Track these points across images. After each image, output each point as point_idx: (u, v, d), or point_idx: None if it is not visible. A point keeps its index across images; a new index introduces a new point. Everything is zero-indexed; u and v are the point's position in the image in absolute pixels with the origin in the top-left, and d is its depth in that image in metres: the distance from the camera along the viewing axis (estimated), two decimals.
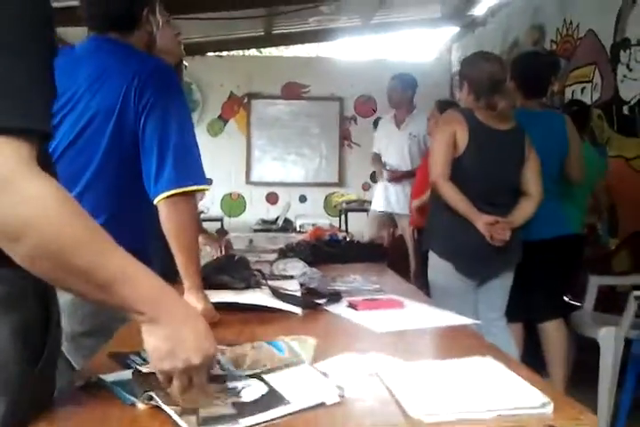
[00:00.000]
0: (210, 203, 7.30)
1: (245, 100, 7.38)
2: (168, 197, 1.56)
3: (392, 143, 5.08)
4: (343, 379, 1.09)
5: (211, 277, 1.80)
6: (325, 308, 1.79)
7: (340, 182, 7.50)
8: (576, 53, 4.58)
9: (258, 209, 7.31)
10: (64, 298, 1.07)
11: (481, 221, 2.62)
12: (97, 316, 1.61)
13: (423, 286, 4.09)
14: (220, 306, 1.64)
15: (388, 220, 5.14)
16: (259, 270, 1.90)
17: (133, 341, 1.07)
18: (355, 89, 7.30)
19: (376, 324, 1.57)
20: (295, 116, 7.41)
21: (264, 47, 7.85)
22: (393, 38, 8.18)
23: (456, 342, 1.48)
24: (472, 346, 1.40)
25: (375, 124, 7.33)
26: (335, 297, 1.84)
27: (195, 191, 1.60)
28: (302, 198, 7.47)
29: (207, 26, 6.37)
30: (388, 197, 5.07)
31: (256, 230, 6.18)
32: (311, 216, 7.17)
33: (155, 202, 1.58)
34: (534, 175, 2.77)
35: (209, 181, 6.14)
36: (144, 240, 1.72)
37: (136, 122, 1.59)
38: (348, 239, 3.32)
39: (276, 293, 1.75)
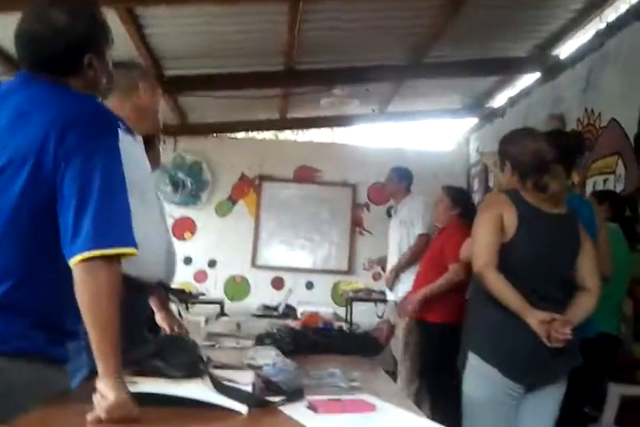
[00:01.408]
0: (212, 285, 7.03)
1: (257, 182, 7.24)
2: (85, 259, 1.28)
3: (391, 231, 5.06)
4: None
5: (144, 362, 1.48)
6: (281, 407, 1.45)
7: (350, 271, 7.18)
8: (598, 143, 4.36)
9: (262, 294, 6.98)
10: None
11: (535, 319, 2.21)
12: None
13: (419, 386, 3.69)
14: (145, 398, 1.32)
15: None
16: (200, 357, 1.58)
17: None
18: (369, 176, 7.12)
19: None
20: (306, 201, 7.22)
21: (279, 130, 7.80)
22: (410, 126, 8.08)
23: None
24: None
25: (388, 212, 7.15)
26: (295, 395, 1.50)
27: (119, 255, 1.31)
28: (309, 285, 7.15)
29: (222, 107, 6.34)
30: None
31: (256, 316, 5.87)
32: (316, 304, 6.80)
33: (70, 265, 1.29)
34: (591, 267, 2.39)
35: (212, 263, 5.99)
36: (62, 310, 1.42)
37: (54, 171, 1.32)
38: (339, 329, 3.00)
39: (219, 385, 1.42)
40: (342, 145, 7.77)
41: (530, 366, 2.29)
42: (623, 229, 3.27)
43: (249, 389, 1.49)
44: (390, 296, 4.88)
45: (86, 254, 1.27)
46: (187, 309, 5.89)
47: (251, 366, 1.88)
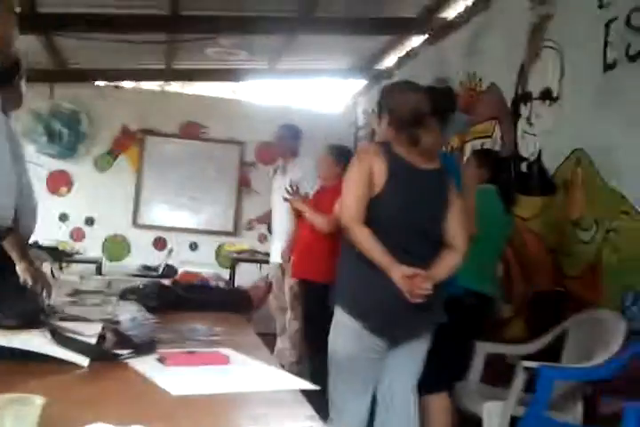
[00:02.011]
0: (90, 244, 6.71)
1: (139, 136, 6.90)
2: None
3: (276, 190, 4.88)
4: None
5: None
6: (130, 361, 1.36)
7: (236, 232, 7.05)
8: (478, 108, 4.43)
9: (144, 254, 6.71)
10: None
11: (398, 274, 2.20)
12: None
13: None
14: None
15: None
16: (41, 307, 1.46)
17: None
18: (257, 134, 6.92)
19: (177, 384, 1.16)
20: (192, 158, 6.95)
21: (165, 81, 7.44)
22: (300, 86, 7.97)
23: (271, 412, 1.11)
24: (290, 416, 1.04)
25: (275, 171, 7.05)
26: (144, 348, 1.42)
27: None
28: (193, 246, 6.96)
29: (105, 53, 5.97)
30: None
31: (135, 276, 5.69)
32: (200, 265, 6.69)
33: None
34: (458, 224, 2.41)
35: (89, 221, 5.61)
36: None
37: None
38: (214, 286, 2.93)
39: (58, 337, 1.31)
40: (229, 100, 7.49)
41: (392, 321, 2.30)
42: (500, 191, 3.31)
43: (93, 341, 1.38)
44: (274, 258, 4.82)
45: None
46: (60, 268, 5.61)
47: (108, 321, 1.78)
